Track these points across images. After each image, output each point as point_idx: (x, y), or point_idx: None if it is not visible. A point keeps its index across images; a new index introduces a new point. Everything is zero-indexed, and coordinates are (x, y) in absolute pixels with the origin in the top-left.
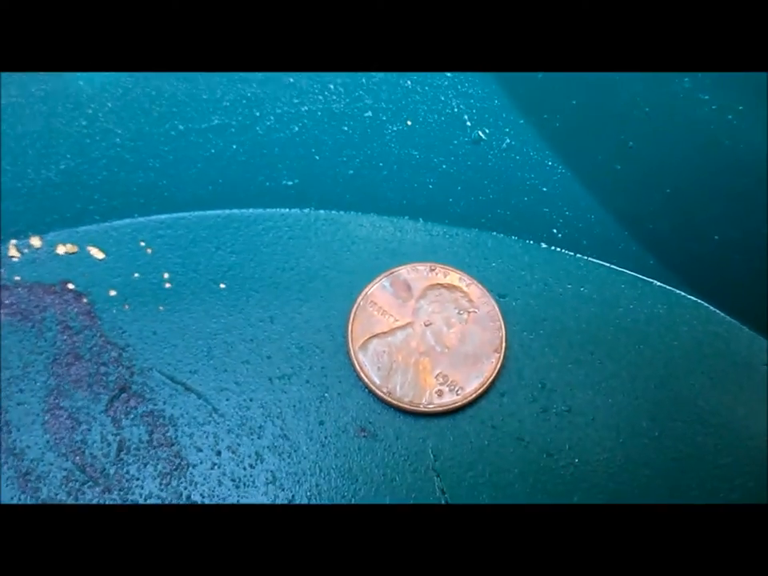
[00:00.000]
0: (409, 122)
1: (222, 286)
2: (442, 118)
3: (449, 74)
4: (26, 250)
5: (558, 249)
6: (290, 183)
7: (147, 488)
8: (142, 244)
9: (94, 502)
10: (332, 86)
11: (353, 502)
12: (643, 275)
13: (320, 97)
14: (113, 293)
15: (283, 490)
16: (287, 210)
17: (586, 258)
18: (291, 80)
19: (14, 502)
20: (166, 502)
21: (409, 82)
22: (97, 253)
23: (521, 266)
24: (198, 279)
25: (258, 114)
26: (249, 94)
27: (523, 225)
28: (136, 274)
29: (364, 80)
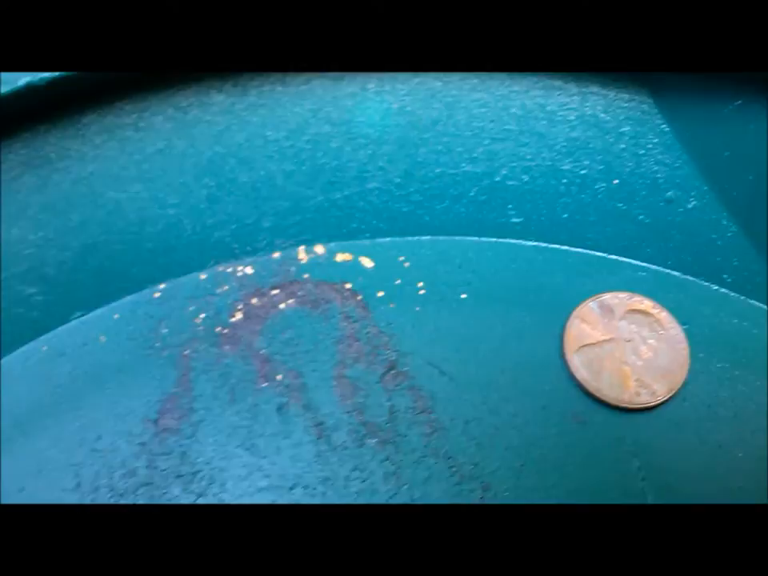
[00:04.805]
0: (615, 181)
1: (464, 296)
2: (641, 180)
3: (650, 146)
4: (311, 255)
5: (727, 291)
6: (517, 221)
7: (413, 443)
8: (401, 258)
9: (373, 450)
10: (558, 147)
11: (569, 470)
12: None
13: (546, 155)
14: (380, 293)
15: (518, 456)
16: (514, 240)
17: (749, 300)
18: (527, 141)
19: (308, 445)
20: (427, 457)
21: (619, 148)
22: (367, 262)
23: (697, 301)
24: (445, 289)
25: (497, 165)
26: (493, 149)
27: (700, 269)
28: (398, 281)
29: (584, 145)
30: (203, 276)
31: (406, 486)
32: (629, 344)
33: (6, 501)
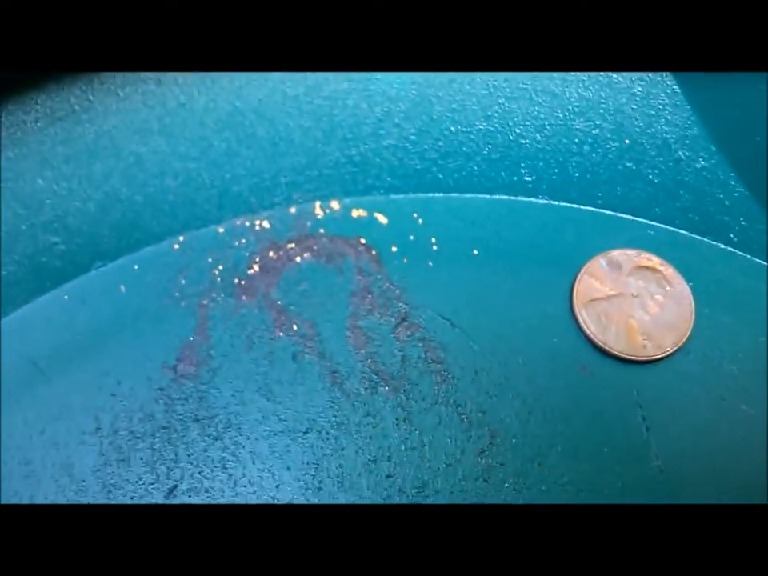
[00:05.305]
0: (627, 141)
1: (476, 252)
2: (652, 140)
3: (660, 106)
4: (327, 210)
5: (734, 250)
6: (529, 179)
7: (423, 391)
8: (415, 215)
9: (385, 397)
10: (570, 107)
11: (575, 419)
12: None
13: (559, 115)
14: (394, 249)
15: (526, 405)
16: (525, 198)
17: (755, 259)
18: (540, 100)
19: (322, 391)
20: (437, 404)
21: (631, 108)
22: (382, 218)
23: (704, 259)
24: (458, 245)
25: (510, 123)
26: (507, 108)
27: (708, 228)
28: (411, 237)
29: (596, 105)
30: (221, 229)
31: (416, 432)
32: (636, 299)
33: (24, 445)
